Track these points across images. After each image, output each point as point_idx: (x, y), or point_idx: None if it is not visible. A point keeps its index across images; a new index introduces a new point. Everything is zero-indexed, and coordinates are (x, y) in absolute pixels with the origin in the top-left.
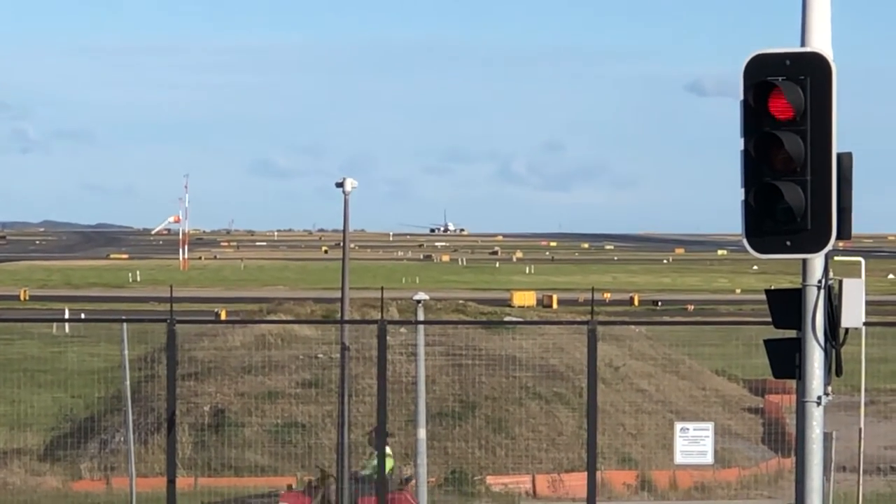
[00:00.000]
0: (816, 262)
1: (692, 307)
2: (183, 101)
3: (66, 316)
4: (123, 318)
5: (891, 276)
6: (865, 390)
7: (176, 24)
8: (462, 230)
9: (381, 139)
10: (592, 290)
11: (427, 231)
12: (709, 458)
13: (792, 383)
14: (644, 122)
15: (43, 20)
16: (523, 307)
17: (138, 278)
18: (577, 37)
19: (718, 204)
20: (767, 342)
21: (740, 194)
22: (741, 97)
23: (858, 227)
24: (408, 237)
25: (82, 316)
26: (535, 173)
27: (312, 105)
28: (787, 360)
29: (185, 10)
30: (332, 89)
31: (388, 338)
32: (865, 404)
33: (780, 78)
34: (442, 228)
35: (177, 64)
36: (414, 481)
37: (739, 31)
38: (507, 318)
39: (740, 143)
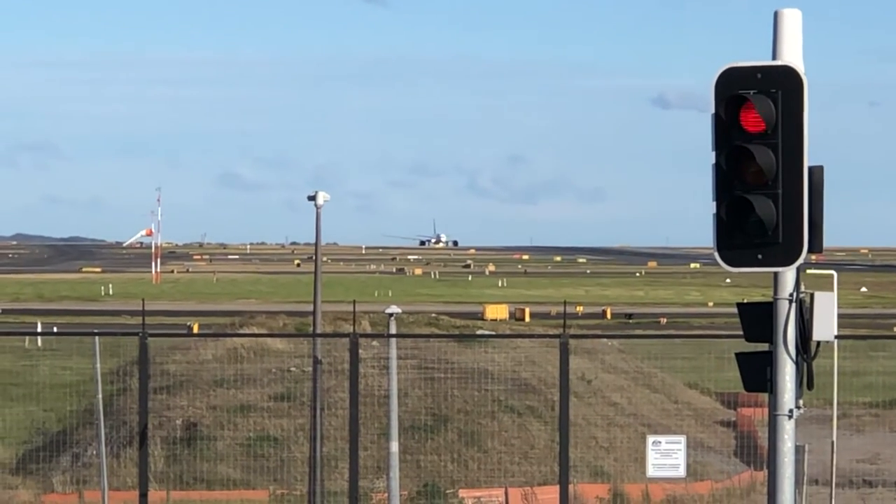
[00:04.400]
0: (788, 275)
1: (665, 320)
2: (148, 114)
3: (39, 329)
4: (96, 331)
5: (863, 289)
6: (838, 403)
7: (140, 36)
8: (455, 242)
9: (347, 153)
10: (565, 303)
11: (417, 243)
12: (681, 472)
13: (764, 396)
14: (609, 135)
15: (1, 33)
16: (496, 320)
17: (111, 292)
18: (541, 51)
19: (690, 217)
20: (739, 355)
21: (712, 207)
22: (712, 110)
23: (831, 240)
24: (380, 250)
25: (55, 329)
26: (502, 187)
27: (279, 118)
28: (758, 373)
29: (149, 24)
30: (299, 102)
31: (360, 351)
32: (838, 417)
33: (751, 91)
34: (433, 240)
35: (141, 77)
36: None
37: (702, 45)
38: (479, 332)
39: (711, 157)
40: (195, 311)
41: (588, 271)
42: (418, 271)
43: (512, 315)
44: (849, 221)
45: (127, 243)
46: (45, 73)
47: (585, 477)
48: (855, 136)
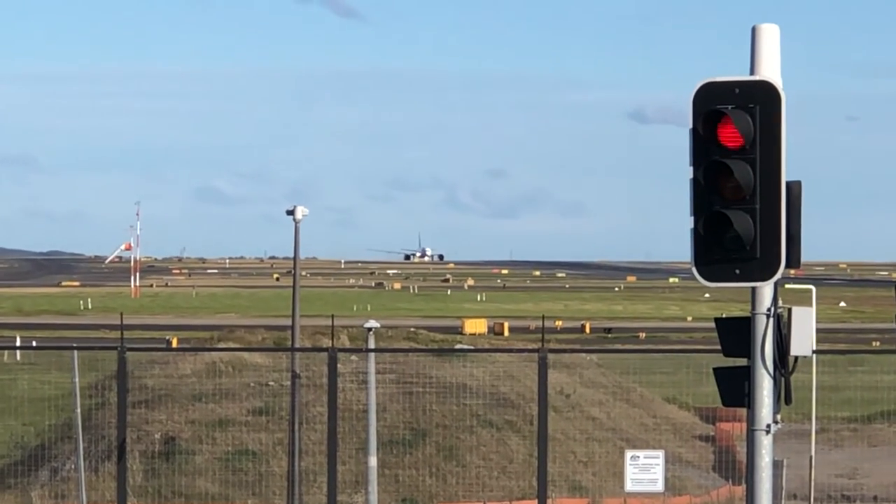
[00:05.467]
0: (765, 290)
1: (644, 335)
2: (127, 128)
3: (17, 343)
4: (74, 345)
5: (842, 303)
6: (816, 418)
7: (119, 50)
8: (441, 256)
9: (326, 167)
10: (543, 317)
11: (402, 258)
12: (659, 486)
13: (743, 411)
14: (588, 149)
15: None
16: (474, 335)
17: (90, 306)
18: (520, 65)
19: (670, 231)
20: (717, 370)
21: (689, 222)
22: (690, 125)
23: (810, 255)
24: (359, 264)
25: (33, 343)
26: (481, 201)
27: (257, 132)
28: (736, 388)
29: (128, 38)
30: (277, 117)
31: (338, 365)
32: (816, 432)
33: (729, 106)
34: (419, 254)
35: (120, 91)
36: None
37: (681, 60)
38: (458, 346)
39: (689, 172)
40: (174, 325)
41: (567, 286)
42: (397, 285)
43: (491, 329)
44: (827, 236)
45: (108, 260)
46: (24, 86)
47: (564, 491)
48: (833, 150)
